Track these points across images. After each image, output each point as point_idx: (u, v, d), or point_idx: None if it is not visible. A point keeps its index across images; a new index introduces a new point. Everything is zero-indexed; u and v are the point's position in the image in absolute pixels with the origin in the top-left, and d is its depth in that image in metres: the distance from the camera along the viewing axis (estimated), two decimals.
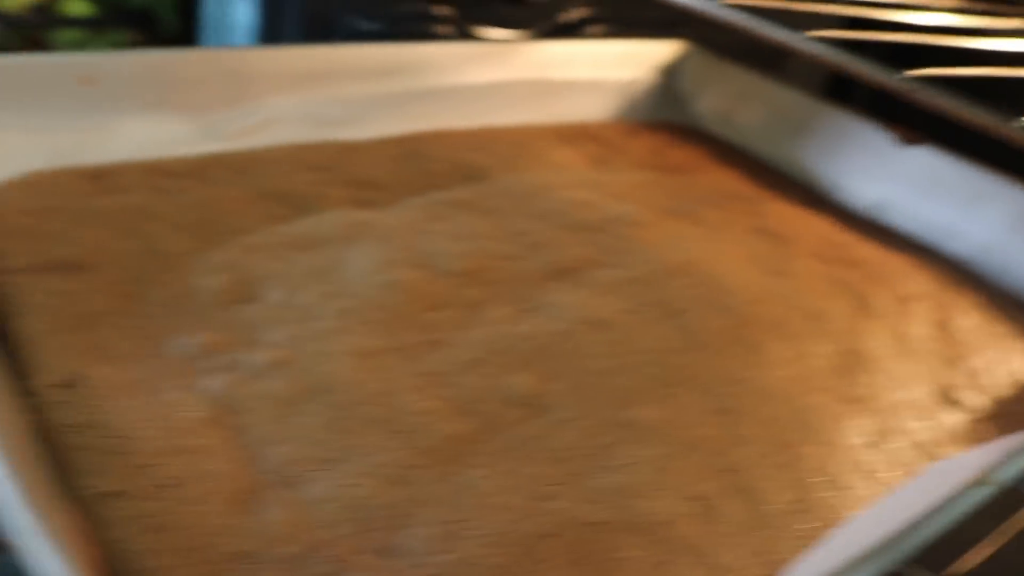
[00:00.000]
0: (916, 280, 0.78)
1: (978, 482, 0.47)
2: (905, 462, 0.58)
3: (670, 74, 1.09)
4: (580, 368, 0.56)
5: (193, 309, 0.56)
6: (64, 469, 0.43)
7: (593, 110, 1.01)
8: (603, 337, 0.59)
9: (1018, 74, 0.65)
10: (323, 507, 0.44)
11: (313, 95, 0.82)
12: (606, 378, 0.56)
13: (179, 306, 0.56)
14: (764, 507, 0.51)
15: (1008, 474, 0.48)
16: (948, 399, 0.65)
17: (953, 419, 0.63)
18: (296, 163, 0.74)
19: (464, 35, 1.16)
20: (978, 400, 0.66)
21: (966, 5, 1.03)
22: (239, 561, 0.40)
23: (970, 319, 0.75)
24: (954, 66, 0.61)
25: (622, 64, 1.03)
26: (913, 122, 0.96)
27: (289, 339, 0.54)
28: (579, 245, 0.69)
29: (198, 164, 0.71)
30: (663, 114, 1.07)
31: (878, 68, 0.57)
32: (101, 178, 0.66)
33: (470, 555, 0.43)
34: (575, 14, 1.23)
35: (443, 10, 1.15)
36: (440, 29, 1.15)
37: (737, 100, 1.07)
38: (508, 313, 0.60)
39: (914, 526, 0.43)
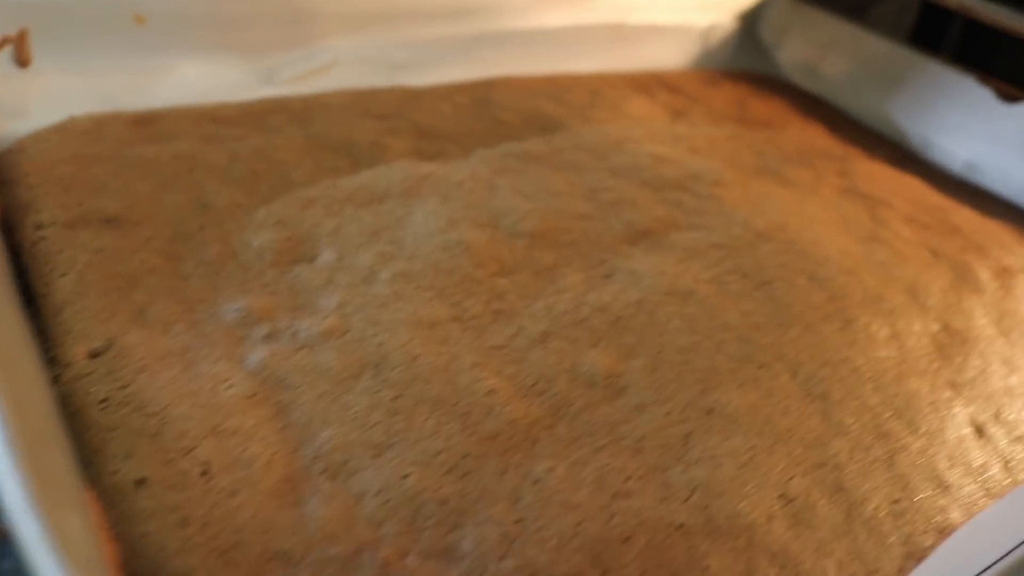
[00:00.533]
0: (1016, 250, 0.72)
1: None
2: (1018, 458, 0.53)
3: (752, 20, 1.02)
4: (659, 345, 0.51)
5: (240, 270, 0.52)
6: (90, 451, 0.39)
7: (671, 57, 0.95)
8: (684, 310, 0.54)
9: None
10: (370, 501, 0.39)
11: (377, 37, 0.77)
12: (687, 356, 0.51)
13: (225, 267, 0.52)
14: (861, 508, 0.46)
15: None
16: None
17: None
18: (358, 110, 0.69)
19: None
20: None
21: None
22: (276, 561, 0.36)
23: None
24: None
25: (702, 8, 0.97)
26: (1007, 74, 0.89)
27: (341, 306, 0.50)
28: (659, 204, 0.64)
29: (253, 110, 0.66)
30: (744, 63, 1.01)
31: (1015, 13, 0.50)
32: (147, 124, 0.62)
33: (531, 561, 0.39)
34: None
35: None
36: None
37: (822, 49, 1.00)
38: (581, 280, 0.55)
39: None
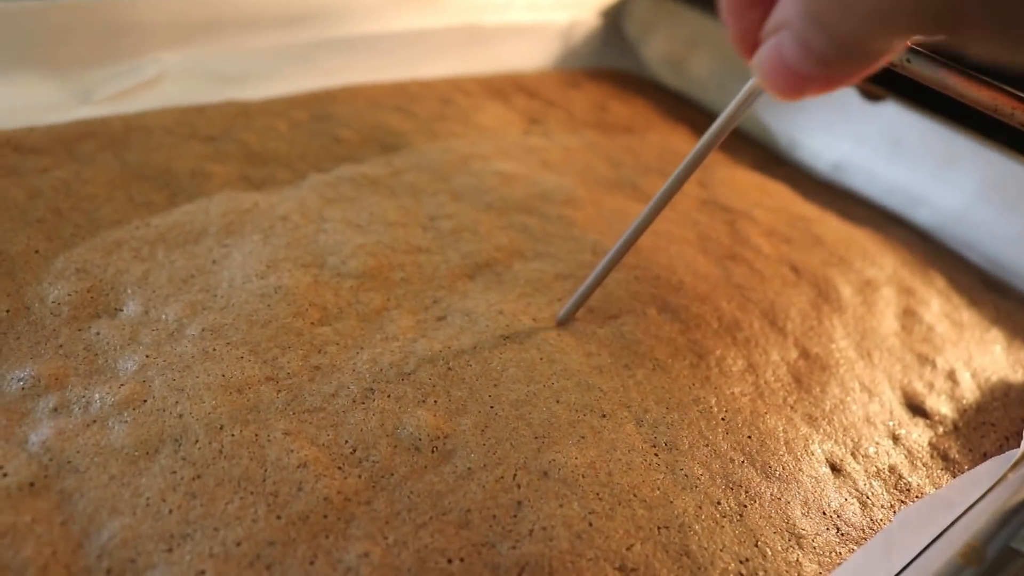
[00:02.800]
0: (880, 261, 0.71)
1: (966, 559, 0.40)
2: (873, 495, 0.50)
3: (615, 16, 0.99)
4: (492, 397, 0.48)
5: (32, 329, 0.47)
6: None
7: (530, 57, 0.92)
8: (522, 355, 0.50)
9: None
10: None
11: (205, 48, 0.71)
12: (522, 410, 0.47)
13: (15, 325, 0.47)
14: (708, 573, 0.43)
15: (994, 550, 0.41)
16: (915, 409, 0.58)
17: (921, 435, 0.56)
18: (182, 132, 0.64)
19: None
20: (946, 408, 0.58)
21: None
22: None
23: (935, 308, 0.67)
24: None
25: (562, 6, 0.93)
26: (877, 73, 0.87)
27: (142, 368, 0.45)
28: (502, 231, 0.60)
29: (64, 136, 0.61)
30: (608, 61, 0.97)
31: None
32: None
33: None
34: None
35: None
36: None
37: (688, 45, 0.98)
38: (411, 324, 0.51)
39: None
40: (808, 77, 0.33)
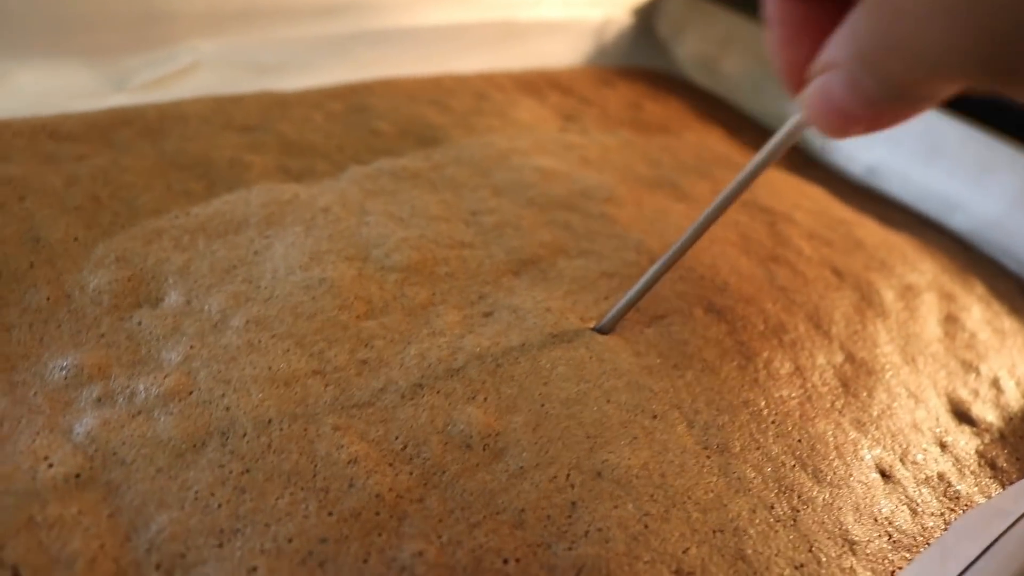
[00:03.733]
0: (920, 266, 0.69)
1: None
2: (923, 502, 0.49)
3: (648, 15, 0.98)
4: (542, 395, 0.46)
5: (73, 318, 0.46)
6: None
7: (563, 54, 0.91)
8: (571, 353, 0.49)
9: None
10: None
11: (242, 37, 0.71)
12: (573, 409, 0.46)
13: (56, 314, 0.46)
14: None
15: None
16: (961, 416, 0.57)
17: (968, 442, 0.55)
18: (218, 122, 0.63)
19: None
20: (991, 416, 0.57)
21: None
22: None
23: (976, 314, 0.66)
24: None
25: (595, 3, 0.93)
26: None
27: (186, 360, 0.44)
28: (545, 227, 0.59)
29: (99, 124, 0.60)
30: (640, 60, 0.96)
31: None
32: None
33: None
34: None
35: None
36: None
37: (721, 45, 0.97)
38: (458, 320, 0.50)
39: None
40: (855, 117, 0.33)
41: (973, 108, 0.83)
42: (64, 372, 0.42)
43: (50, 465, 0.38)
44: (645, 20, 0.98)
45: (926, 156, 0.84)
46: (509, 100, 0.78)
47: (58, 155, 0.55)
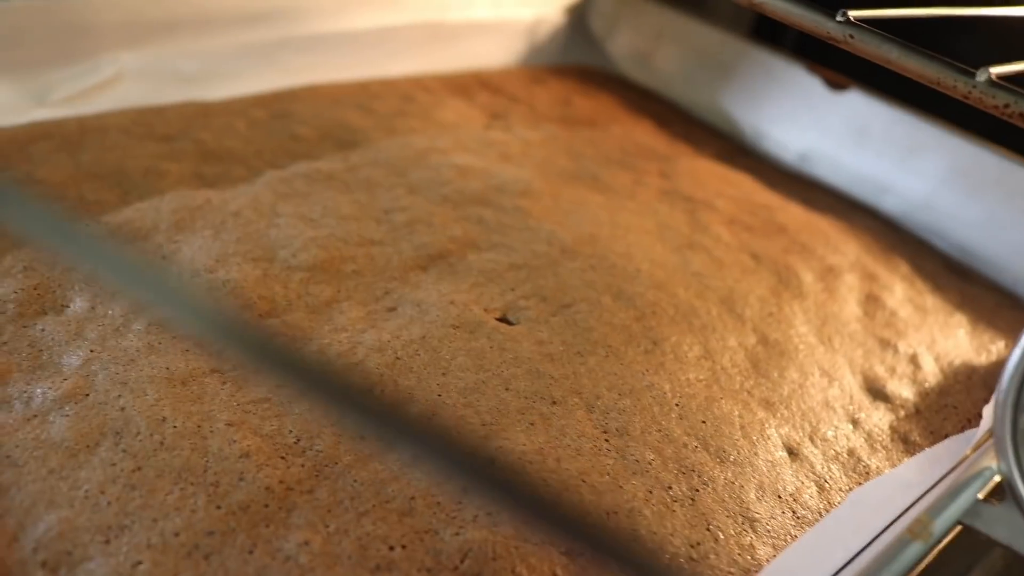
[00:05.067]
0: (843, 248, 0.71)
1: (913, 534, 0.40)
2: (831, 479, 0.50)
3: (581, 12, 0.99)
4: (439, 386, 0.47)
5: None
6: None
7: (495, 55, 0.91)
8: (471, 344, 0.50)
9: (977, 12, 0.56)
10: None
11: (165, 48, 0.71)
12: (471, 398, 0.47)
13: None
14: (659, 555, 0.42)
15: (943, 526, 0.41)
16: (875, 393, 0.58)
17: (882, 418, 0.56)
18: (139, 132, 0.64)
19: None
20: (907, 392, 0.58)
21: None
22: None
23: (899, 293, 0.67)
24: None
25: (526, 3, 0.93)
26: (845, 64, 0.88)
27: (86, 363, 0.45)
28: (457, 222, 0.60)
29: (17, 138, 0.60)
30: (572, 57, 0.97)
31: (812, 11, 0.48)
32: None
33: None
34: None
35: None
36: None
37: (654, 40, 0.98)
38: (361, 315, 0.51)
39: None
40: None
41: (900, 89, 0.84)
42: None
43: None
44: (578, 18, 0.99)
45: (855, 140, 0.85)
46: (436, 101, 0.79)
47: None
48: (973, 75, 0.45)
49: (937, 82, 0.45)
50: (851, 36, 0.47)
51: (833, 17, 0.47)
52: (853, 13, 0.47)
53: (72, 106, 0.66)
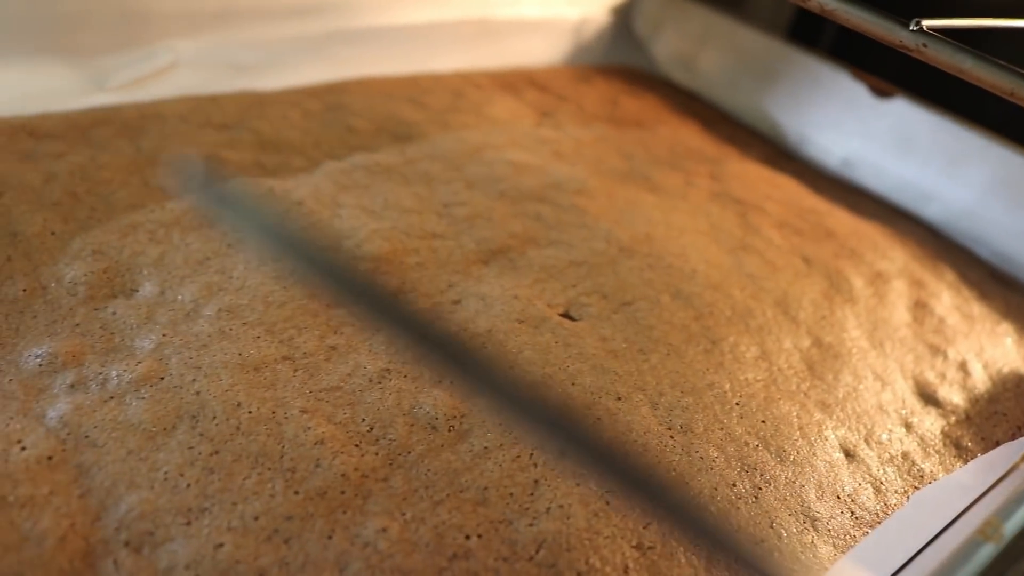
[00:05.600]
0: (890, 254, 0.71)
1: (984, 535, 0.40)
2: (887, 480, 0.50)
3: (625, 13, 0.99)
4: (506, 380, 0.47)
5: (48, 308, 0.47)
6: None
7: (542, 53, 0.92)
8: (537, 339, 0.50)
9: None
10: None
11: (220, 37, 0.71)
12: (537, 392, 0.47)
13: (32, 305, 0.47)
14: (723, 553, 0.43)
15: (1013, 528, 0.41)
16: (928, 398, 0.58)
17: (933, 423, 0.56)
18: (196, 120, 0.64)
19: None
20: (957, 398, 0.58)
21: None
22: None
23: (946, 300, 0.67)
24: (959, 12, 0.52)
25: (573, 2, 0.94)
26: (880, 67, 0.88)
27: (158, 347, 0.45)
28: (516, 218, 0.60)
29: (79, 123, 0.61)
30: (617, 58, 0.97)
31: (885, 20, 0.48)
32: None
33: None
34: None
35: None
36: None
37: (698, 43, 0.98)
38: (426, 307, 0.51)
39: None
40: None
41: (945, 99, 0.84)
42: (39, 360, 0.43)
43: (23, 448, 0.39)
44: (623, 19, 0.99)
45: (899, 148, 0.85)
46: (485, 97, 0.79)
47: (37, 153, 0.57)
48: None
49: (1011, 93, 0.45)
50: (924, 45, 0.47)
51: (906, 26, 0.47)
52: (926, 22, 0.47)
53: (129, 92, 0.66)
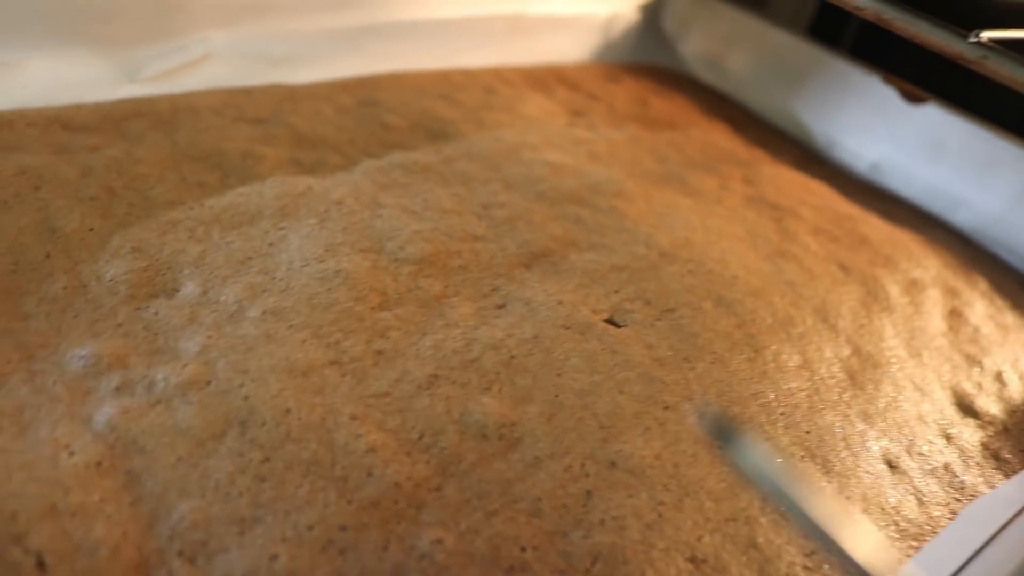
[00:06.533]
0: (924, 262, 0.70)
1: None
2: (929, 492, 0.50)
3: (654, 11, 0.98)
4: (555, 387, 0.47)
5: (90, 307, 0.46)
6: None
7: (571, 50, 0.91)
8: (583, 345, 0.50)
9: None
10: None
11: (252, 29, 0.71)
12: (587, 399, 0.47)
13: (73, 303, 0.46)
14: (776, 565, 0.42)
15: None
16: (966, 409, 0.57)
17: (972, 434, 0.56)
18: (230, 114, 0.63)
19: None
20: (995, 409, 0.58)
21: None
22: None
23: (980, 310, 0.67)
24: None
25: None
26: (903, 68, 0.88)
27: (204, 350, 0.44)
28: (556, 221, 0.60)
29: (112, 115, 0.60)
30: (646, 56, 0.97)
31: (945, 31, 0.47)
32: None
33: None
34: None
35: None
36: None
37: (726, 42, 0.97)
38: (472, 311, 0.51)
39: None
40: None
41: (976, 105, 0.83)
42: (83, 361, 0.43)
43: (71, 453, 0.38)
44: (651, 17, 0.98)
45: (929, 153, 0.85)
46: (517, 95, 0.78)
47: (72, 146, 0.56)
48: None
49: None
50: (984, 58, 0.46)
51: (965, 38, 0.47)
52: (986, 34, 0.47)
53: (161, 84, 0.65)
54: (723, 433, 0.26)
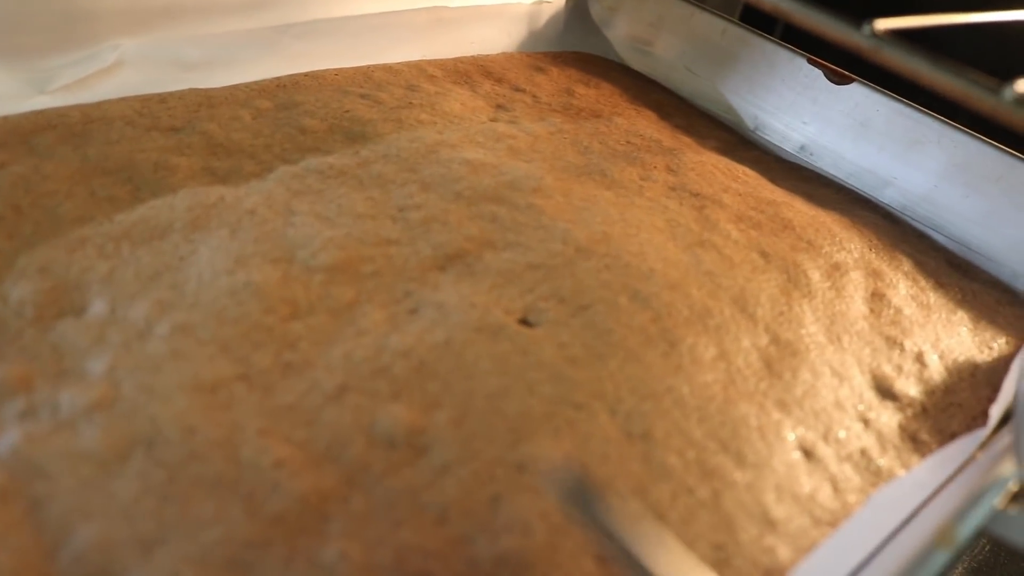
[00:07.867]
0: (848, 244, 0.71)
1: (938, 543, 0.41)
2: (845, 478, 0.51)
3: None
4: (465, 391, 0.47)
5: None
6: None
7: (496, 41, 0.91)
8: (494, 348, 0.50)
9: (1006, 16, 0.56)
10: None
11: (165, 34, 0.70)
12: (497, 403, 0.47)
13: None
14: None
15: (965, 532, 0.41)
16: (885, 392, 0.58)
17: (892, 418, 0.56)
18: (143, 123, 0.63)
19: None
20: (914, 391, 0.59)
21: None
22: None
23: (903, 290, 0.68)
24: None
25: None
26: (840, 55, 0.88)
27: (111, 370, 0.44)
28: (472, 221, 0.60)
29: (20, 128, 0.59)
30: (571, 44, 0.97)
31: (838, 22, 0.47)
32: None
33: None
34: None
35: None
36: None
37: (654, 27, 0.97)
38: (383, 318, 0.51)
39: None
40: None
41: (900, 83, 0.84)
42: None
43: None
44: (578, 4, 0.98)
45: (856, 132, 0.85)
46: (440, 91, 0.78)
47: None
48: (998, 93, 0.45)
49: (965, 97, 0.45)
50: (879, 48, 0.47)
51: (859, 28, 0.47)
52: (880, 23, 0.47)
53: (73, 94, 0.65)
54: (581, 499, 0.27)
